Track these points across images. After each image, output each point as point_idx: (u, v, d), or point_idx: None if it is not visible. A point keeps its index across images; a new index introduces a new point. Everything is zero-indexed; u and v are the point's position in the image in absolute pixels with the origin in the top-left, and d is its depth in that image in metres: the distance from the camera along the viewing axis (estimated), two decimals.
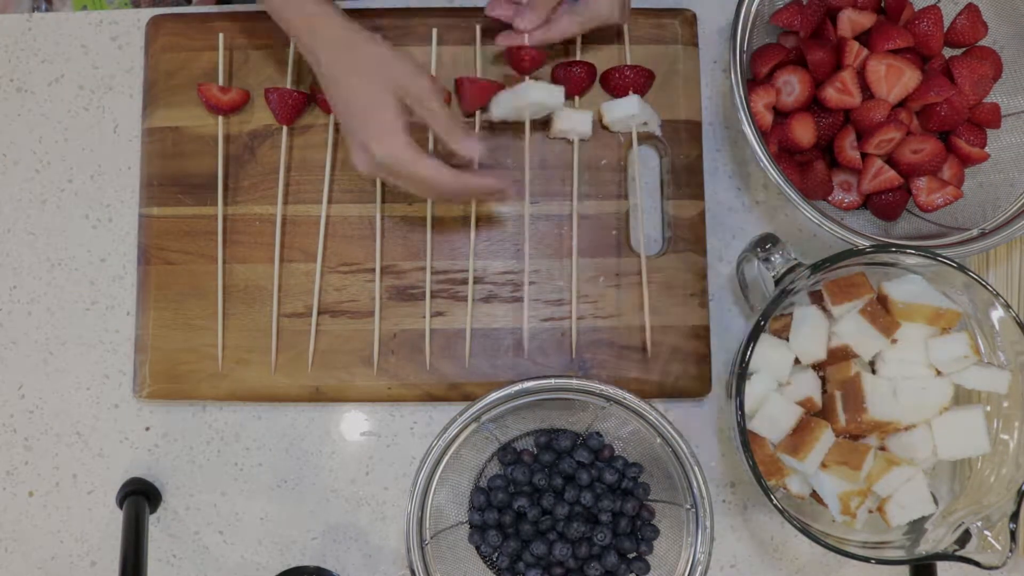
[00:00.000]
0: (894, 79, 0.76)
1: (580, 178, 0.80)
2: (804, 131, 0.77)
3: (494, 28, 0.78)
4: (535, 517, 0.72)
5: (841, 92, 0.76)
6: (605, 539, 0.71)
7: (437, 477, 0.70)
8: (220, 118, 0.80)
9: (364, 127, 0.66)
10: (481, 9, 0.79)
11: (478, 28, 0.81)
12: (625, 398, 0.70)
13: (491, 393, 0.70)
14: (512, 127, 0.80)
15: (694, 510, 0.70)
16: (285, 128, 0.80)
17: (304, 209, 0.80)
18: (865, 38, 0.78)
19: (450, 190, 0.68)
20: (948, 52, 0.81)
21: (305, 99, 0.80)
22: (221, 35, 0.80)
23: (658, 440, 0.71)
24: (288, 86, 0.80)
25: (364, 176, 0.71)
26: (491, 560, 0.74)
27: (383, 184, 0.80)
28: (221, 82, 0.80)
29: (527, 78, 0.78)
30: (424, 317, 0.79)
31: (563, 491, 0.73)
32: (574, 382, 0.71)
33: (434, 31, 0.81)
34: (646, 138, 0.82)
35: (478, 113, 0.80)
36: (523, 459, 0.74)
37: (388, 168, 0.67)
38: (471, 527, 0.74)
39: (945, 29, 0.79)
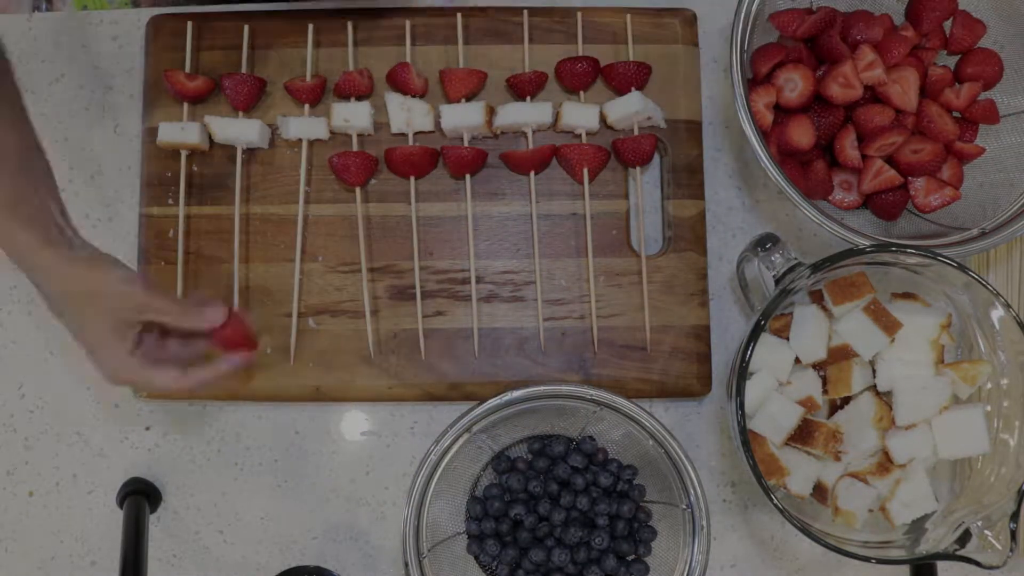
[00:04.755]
0: (913, 89, 0.76)
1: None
2: (802, 134, 0.76)
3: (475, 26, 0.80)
4: (532, 524, 0.72)
5: (844, 87, 0.76)
6: (603, 543, 0.71)
7: (432, 490, 0.70)
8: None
9: (96, 360, 0.63)
10: (461, 8, 0.81)
11: (459, 17, 0.81)
12: (615, 402, 0.70)
13: (479, 405, 0.69)
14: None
15: (690, 511, 0.70)
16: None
17: (305, 209, 0.80)
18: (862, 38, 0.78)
19: (188, 389, 0.66)
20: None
21: (262, 84, 0.80)
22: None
23: (651, 442, 0.71)
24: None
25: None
26: (491, 569, 0.73)
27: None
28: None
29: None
30: (423, 316, 0.79)
31: (559, 496, 0.72)
32: (563, 388, 0.70)
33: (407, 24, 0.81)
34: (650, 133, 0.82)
35: (462, 100, 0.80)
36: (517, 467, 0.74)
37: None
38: (469, 537, 0.74)
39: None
